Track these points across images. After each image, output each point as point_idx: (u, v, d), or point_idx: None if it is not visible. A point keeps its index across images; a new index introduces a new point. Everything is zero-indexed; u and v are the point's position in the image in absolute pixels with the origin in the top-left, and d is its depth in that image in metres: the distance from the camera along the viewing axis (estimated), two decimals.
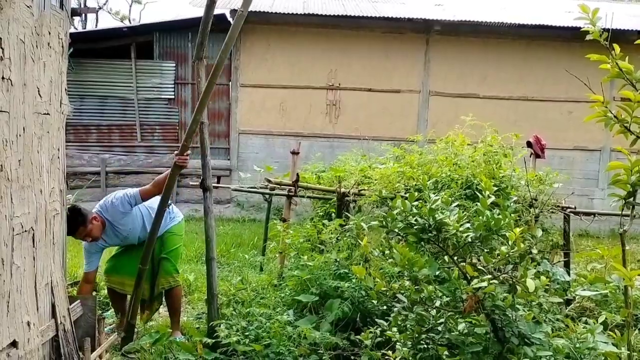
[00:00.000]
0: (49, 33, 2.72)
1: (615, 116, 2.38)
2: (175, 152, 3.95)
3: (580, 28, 2.49)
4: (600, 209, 8.87)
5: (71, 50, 8.14)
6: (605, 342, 2.76)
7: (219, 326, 3.56)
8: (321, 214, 5.72)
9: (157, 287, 4.42)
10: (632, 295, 2.92)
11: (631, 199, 2.39)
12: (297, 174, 5.26)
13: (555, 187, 4.45)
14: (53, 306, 2.85)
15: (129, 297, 4.36)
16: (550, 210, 4.37)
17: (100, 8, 25.09)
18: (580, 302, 4.11)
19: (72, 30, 17.25)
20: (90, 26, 24.29)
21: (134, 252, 4.31)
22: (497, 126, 4.88)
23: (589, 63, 2.56)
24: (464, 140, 4.79)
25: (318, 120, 11.59)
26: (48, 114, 2.74)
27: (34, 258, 2.62)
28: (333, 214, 5.00)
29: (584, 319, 3.56)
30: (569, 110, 11.35)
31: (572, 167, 11.34)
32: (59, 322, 2.89)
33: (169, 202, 4.25)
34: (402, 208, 2.79)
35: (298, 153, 5.50)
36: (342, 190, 4.90)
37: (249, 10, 12.05)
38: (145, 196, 4.18)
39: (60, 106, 2.91)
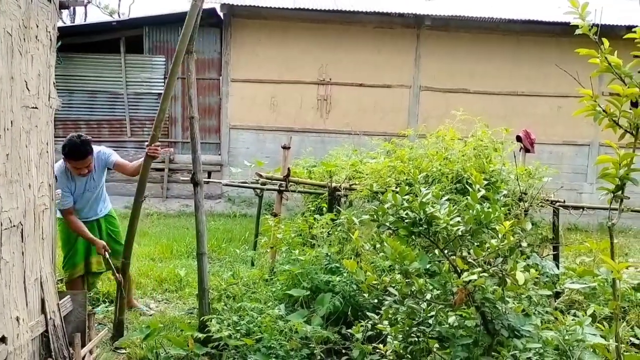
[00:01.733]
0: (37, 26, 2.69)
1: (604, 110, 2.39)
2: (146, 142, 3.97)
3: (569, 23, 2.50)
4: (588, 202, 8.96)
5: (59, 43, 8.06)
6: (593, 334, 2.78)
7: (210, 321, 3.56)
8: (312, 208, 5.72)
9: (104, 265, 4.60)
10: (620, 287, 2.95)
11: (619, 193, 2.40)
12: (289, 169, 5.25)
13: (545, 181, 4.48)
14: (42, 301, 2.84)
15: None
16: (540, 204, 4.40)
17: (89, 2, 24.83)
18: (569, 294, 4.15)
19: (61, 24, 17.08)
20: (79, 20, 24.05)
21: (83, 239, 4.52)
22: (487, 121, 4.90)
23: (578, 58, 2.58)
24: (454, 135, 4.81)
25: (309, 115, 11.58)
26: (36, 107, 2.72)
27: (22, 253, 2.60)
28: (324, 209, 5.00)
29: (572, 311, 3.60)
30: (558, 105, 11.43)
31: (561, 162, 11.43)
32: (49, 317, 2.87)
33: (104, 190, 4.65)
34: (393, 202, 2.79)
35: (289, 148, 5.49)
36: (334, 184, 4.90)
37: (240, 4, 11.87)
38: (118, 168, 4.47)
39: (49, 100, 2.88)
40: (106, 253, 4.32)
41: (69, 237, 4.50)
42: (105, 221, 4.69)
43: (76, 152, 4.10)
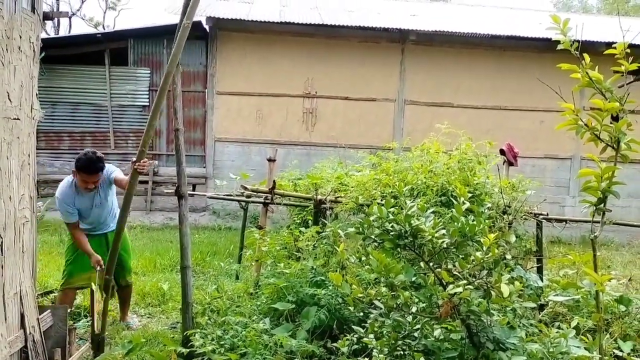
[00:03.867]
0: (20, 37, 2.67)
1: (585, 124, 2.43)
2: (133, 158, 3.92)
3: (551, 39, 2.54)
4: (571, 215, 9.04)
5: (43, 55, 8.00)
6: (577, 347, 2.80)
7: (194, 335, 3.51)
8: (298, 221, 5.70)
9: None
10: (603, 300, 2.97)
11: (601, 205, 2.43)
12: (274, 182, 5.24)
13: (528, 194, 4.52)
14: (22, 316, 2.78)
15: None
16: (523, 217, 4.43)
17: (73, 14, 24.73)
18: (553, 307, 4.18)
19: (45, 35, 16.96)
20: (64, 32, 23.91)
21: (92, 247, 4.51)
22: (471, 134, 4.95)
23: (560, 73, 2.62)
24: (439, 148, 4.84)
25: (295, 128, 11.60)
26: (18, 119, 2.68)
27: (2, 267, 2.55)
28: (310, 222, 4.99)
29: (556, 323, 3.62)
30: (541, 120, 11.60)
31: (544, 175, 11.57)
32: (28, 332, 2.82)
33: (115, 205, 4.67)
34: (378, 214, 2.80)
35: (274, 160, 5.48)
36: (319, 197, 4.89)
37: (226, 17, 11.95)
38: (116, 183, 4.53)
39: (31, 111, 2.85)
40: (98, 267, 4.33)
41: (73, 246, 4.53)
42: (113, 236, 4.66)
43: (91, 167, 4.22)
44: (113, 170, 4.55)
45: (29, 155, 2.86)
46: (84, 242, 4.42)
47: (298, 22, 11.01)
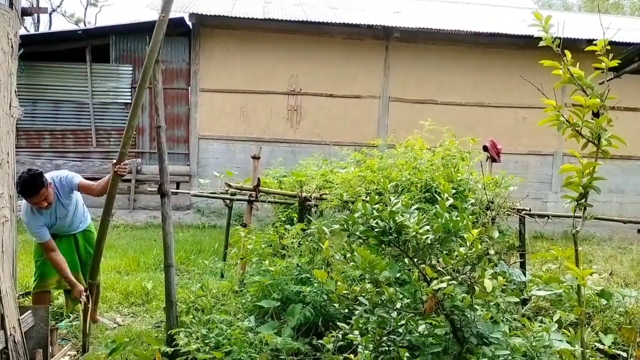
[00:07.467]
0: None
1: (567, 120, 2.46)
2: (113, 161, 3.83)
3: (533, 36, 2.56)
4: (553, 211, 9.15)
5: (22, 51, 7.87)
6: (560, 340, 2.84)
7: (178, 334, 3.49)
8: (283, 218, 5.69)
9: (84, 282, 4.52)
10: (584, 294, 3.01)
11: (583, 201, 2.46)
12: (259, 179, 5.22)
13: (511, 190, 4.57)
14: (2, 317, 2.74)
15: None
16: (506, 212, 4.48)
17: (54, 10, 24.39)
18: (536, 301, 4.22)
19: (24, 32, 16.69)
20: (44, 29, 23.57)
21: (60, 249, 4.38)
22: (454, 131, 4.98)
23: (542, 70, 2.65)
24: (422, 145, 4.87)
25: (279, 125, 11.57)
26: None
27: None
28: (295, 219, 4.98)
29: (539, 318, 3.65)
30: (523, 116, 11.71)
31: (527, 171, 11.70)
32: (9, 333, 2.77)
33: (80, 208, 4.53)
34: (363, 211, 2.80)
35: (259, 158, 5.45)
36: (304, 194, 4.89)
37: (209, 14, 11.86)
38: (83, 190, 4.36)
39: (10, 109, 2.80)
40: (82, 298, 4.04)
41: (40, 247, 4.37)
42: (82, 236, 4.60)
43: (28, 188, 3.92)
44: (73, 176, 4.36)
45: (8, 154, 2.81)
46: (64, 268, 4.21)
47: (282, 18, 10.97)
